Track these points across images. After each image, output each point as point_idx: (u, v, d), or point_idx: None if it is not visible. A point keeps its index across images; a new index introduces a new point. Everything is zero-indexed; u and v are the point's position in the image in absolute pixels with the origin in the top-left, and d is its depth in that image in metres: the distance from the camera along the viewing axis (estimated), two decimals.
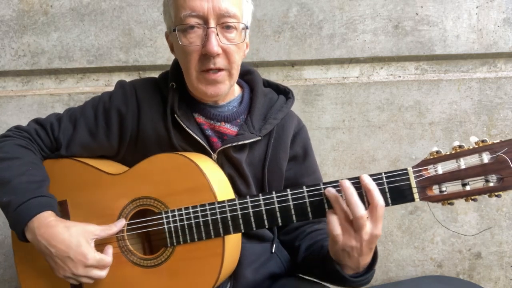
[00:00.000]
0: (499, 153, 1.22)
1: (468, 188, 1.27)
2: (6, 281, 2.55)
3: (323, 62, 2.56)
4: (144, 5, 2.45)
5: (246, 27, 1.56)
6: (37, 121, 1.74)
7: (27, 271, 1.67)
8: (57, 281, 1.58)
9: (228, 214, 1.45)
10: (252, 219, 1.44)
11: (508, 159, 1.21)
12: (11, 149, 1.61)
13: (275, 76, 2.57)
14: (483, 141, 1.25)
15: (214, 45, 1.44)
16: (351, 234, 1.31)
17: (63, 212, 1.63)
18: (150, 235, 1.66)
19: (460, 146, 1.27)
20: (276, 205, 1.42)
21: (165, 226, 1.50)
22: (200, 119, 1.66)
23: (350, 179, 1.35)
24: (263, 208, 1.43)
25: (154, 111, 1.66)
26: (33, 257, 1.62)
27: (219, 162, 1.63)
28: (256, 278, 1.65)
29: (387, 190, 1.32)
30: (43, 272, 1.62)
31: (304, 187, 1.40)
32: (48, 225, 1.45)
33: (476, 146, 1.26)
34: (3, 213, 1.54)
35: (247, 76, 1.79)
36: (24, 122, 2.15)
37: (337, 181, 1.36)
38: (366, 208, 1.30)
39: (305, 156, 1.78)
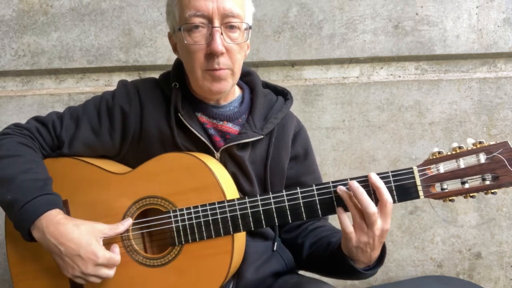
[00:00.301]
0: (494, 154, 1.35)
1: (467, 186, 1.39)
2: (6, 281, 2.56)
3: (323, 62, 2.59)
4: (144, 5, 2.48)
5: (249, 27, 1.62)
6: (37, 119, 1.74)
7: (22, 273, 1.66)
8: (54, 283, 1.62)
9: (238, 213, 1.51)
10: (263, 217, 1.51)
11: (504, 158, 1.34)
12: (12, 147, 1.60)
13: (275, 76, 2.60)
14: (480, 142, 1.38)
15: (219, 44, 1.49)
16: (364, 231, 1.40)
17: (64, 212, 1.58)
18: (153, 234, 1.66)
19: (459, 147, 1.40)
20: (286, 203, 1.49)
21: (173, 225, 1.53)
22: (203, 118, 1.69)
23: (358, 177, 1.44)
24: (273, 206, 1.50)
25: (157, 110, 1.69)
26: (30, 259, 1.63)
27: (222, 161, 1.67)
28: (258, 277, 1.69)
29: (393, 188, 1.42)
30: (39, 275, 1.63)
31: (314, 185, 1.48)
32: (58, 223, 1.46)
33: (474, 147, 1.39)
34: (5, 212, 1.54)
35: (246, 77, 1.83)
36: (24, 122, 2.19)
37: (346, 180, 1.45)
38: (376, 204, 1.39)
39: (305, 155, 1.84)
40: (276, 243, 1.77)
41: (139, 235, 1.63)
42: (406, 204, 2.66)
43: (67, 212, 1.62)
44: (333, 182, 1.47)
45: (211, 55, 1.52)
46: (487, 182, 1.37)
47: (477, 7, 2.56)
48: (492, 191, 1.37)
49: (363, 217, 1.40)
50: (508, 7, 2.56)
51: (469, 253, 2.72)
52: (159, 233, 1.62)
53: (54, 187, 1.60)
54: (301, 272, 1.84)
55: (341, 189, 1.44)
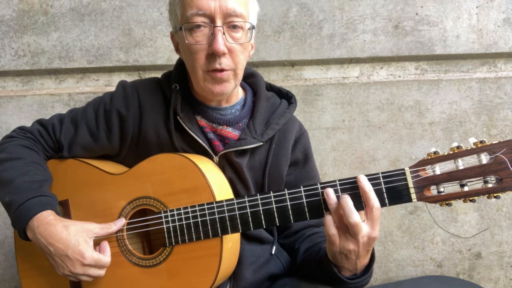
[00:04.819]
0: (497, 154, 1.20)
1: (466, 189, 1.25)
2: (6, 281, 2.55)
3: (323, 62, 2.54)
4: (144, 5, 2.44)
5: (253, 27, 1.55)
6: (40, 122, 1.74)
7: (27, 269, 1.67)
8: (57, 280, 1.60)
9: (226, 214, 1.44)
10: (250, 219, 1.44)
11: (506, 159, 1.19)
12: (15, 150, 1.62)
13: (275, 76, 2.56)
14: (481, 141, 1.23)
15: (221, 44, 1.43)
16: (349, 238, 1.31)
17: (65, 211, 1.64)
18: (150, 234, 1.65)
19: (458, 147, 1.26)
20: (274, 205, 1.42)
21: (164, 226, 1.49)
22: (202, 121, 1.65)
23: (346, 179, 1.35)
24: (260, 208, 1.43)
25: (156, 113, 1.65)
26: (35, 255, 1.62)
27: (220, 166, 1.62)
28: (256, 279, 1.64)
29: (384, 190, 1.32)
30: (43, 271, 1.63)
31: (302, 187, 1.40)
32: (48, 224, 1.45)
33: (475, 147, 1.24)
34: (6, 212, 1.54)
35: (250, 79, 1.78)
36: (24, 122, 2.14)
37: (334, 181, 1.36)
38: (363, 207, 1.31)
39: (305, 161, 1.78)
40: (274, 247, 1.73)
41: (135, 235, 1.61)
42: (406, 204, 2.60)
43: (68, 211, 1.64)
44: (321, 184, 1.38)
45: (213, 55, 1.46)
46: (490, 185, 1.22)
47: (477, 7, 2.51)
48: (495, 195, 1.22)
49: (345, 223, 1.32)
50: (508, 7, 2.51)
51: (469, 253, 2.67)
52: (153, 234, 1.62)
53: (56, 187, 1.65)
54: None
55: (328, 194, 1.35)
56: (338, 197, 1.34)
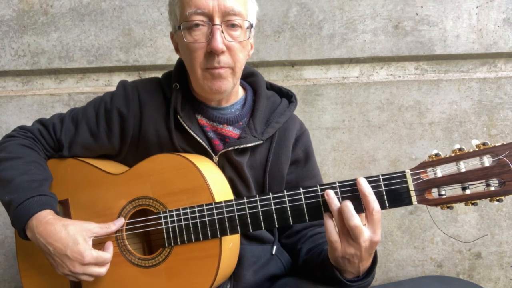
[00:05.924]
0: (500, 156, 1.18)
1: (468, 192, 1.23)
2: (6, 281, 2.54)
3: (323, 62, 2.53)
4: (144, 5, 2.42)
5: (251, 26, 1.54)
6: (40, 121, 1.74)
7: (28, 269, 1.67)
8: (57, 279, 1.59)
9: (225, 215, 1.43)
10: (249, 221, 1.42)
11: (509, 162, 1.17)
12: (15, 149, 1.62)
13: (275, 76, 2.54)
14: (484, 144, 1.21)
15: (219, 42, 1.42)
16: (350, 242, 1.29)
17: (65, 210, 1.63)
18: (150, 235, 1.64)
19: (460, 149, 1.23)
20: (273, 207, 1.40)
21: (163, 226, 1.48)
22: (203, 121, 1.64)
23: (346, 181, 1.33)
24: (259, 209, 1.41)
25: (157, 112, 1.65)
26: (35, 255, 1.62)
27: (220, 165, 1.61)
28: (256, 279, 1.64)
29: (384, 193, 1.30)
30: (44, 270, 1.62)
31: (301, 188, 1.38)
32: (47, 223, 1.44)
33: (477, 149, 1.22)
34: (6, 212, 1.54)
35: (250, 78, 1.77)
36: (24, 122, 2.13)
37: (334, 183, 1.34)
38: (364, 210, 1.29)
39: (306, 160, 1.77)
40: (275, 247, 1.72)
41: (134, 235, 1.61)
42: None
43: (68, 211, 1.64)
44: (321, 185, 1.36)
45: (211, 53, 1.46)
46: (492, 188, 1.20)
47: (477, 7, 2.49)
48: (498, 198, 1.19)
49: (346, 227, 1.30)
50: (508, 7, 2.50)
51: (469, 253, 2.66)
52: (153, 234, 1.62)
53: (56, 186, 1.65)
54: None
55: (328, 194, 1.33)
56: (338, 199, 1.32)
